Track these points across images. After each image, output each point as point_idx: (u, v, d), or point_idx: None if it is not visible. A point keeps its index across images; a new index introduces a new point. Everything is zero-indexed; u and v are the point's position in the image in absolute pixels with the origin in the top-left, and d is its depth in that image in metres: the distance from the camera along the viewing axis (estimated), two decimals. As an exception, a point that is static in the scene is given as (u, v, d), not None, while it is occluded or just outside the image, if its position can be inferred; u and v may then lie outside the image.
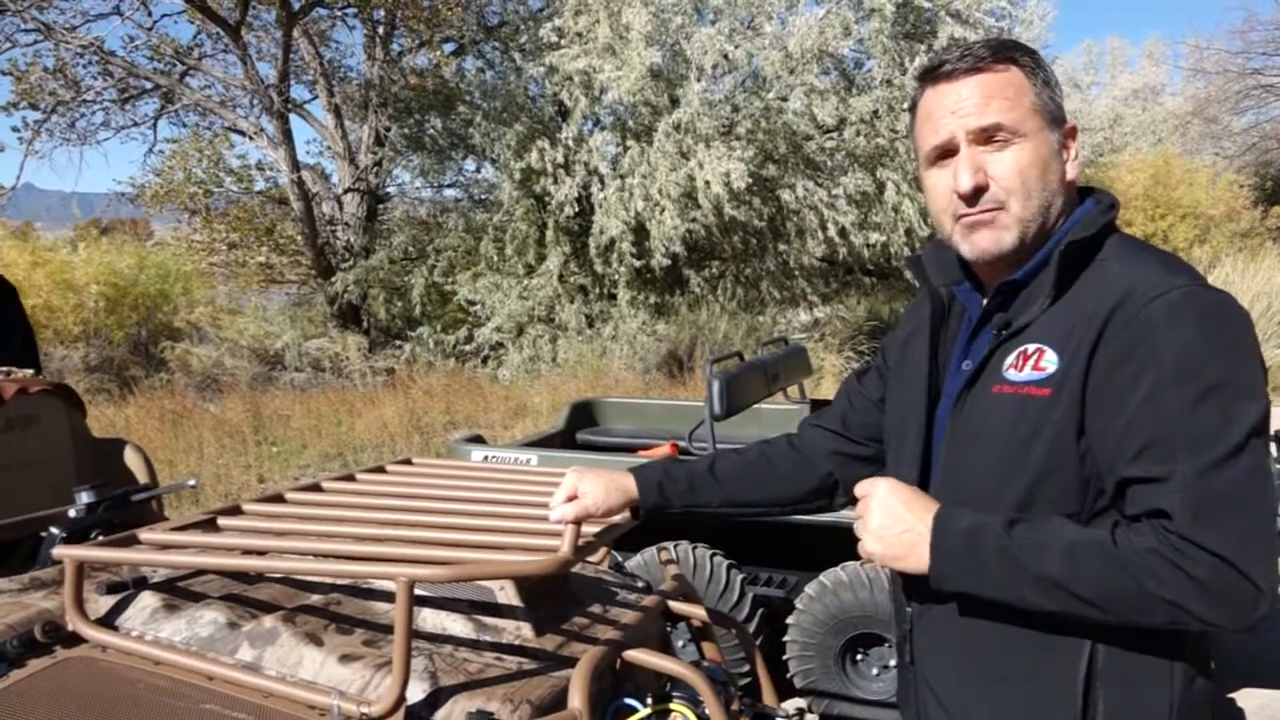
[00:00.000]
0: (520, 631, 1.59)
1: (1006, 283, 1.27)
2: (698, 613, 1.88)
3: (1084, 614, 1.11)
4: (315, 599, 1.63)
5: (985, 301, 1.34)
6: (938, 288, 1.41)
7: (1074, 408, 1.15)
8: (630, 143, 11.94)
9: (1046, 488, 1.18)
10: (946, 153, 1.26)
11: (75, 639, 1.51)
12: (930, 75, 1.29)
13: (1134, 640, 1.15)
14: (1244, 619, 1.06)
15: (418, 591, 1.55)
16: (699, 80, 11.57)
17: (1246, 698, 3.81)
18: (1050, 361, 1.18)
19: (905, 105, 11.93)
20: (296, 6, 12.86)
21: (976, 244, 1.26)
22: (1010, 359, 1.23)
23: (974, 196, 1.23)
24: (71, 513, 2.00)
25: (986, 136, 1.23)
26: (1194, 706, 1.19)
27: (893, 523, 1.23)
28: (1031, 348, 1.21)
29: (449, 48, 14.44)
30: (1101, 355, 1.14)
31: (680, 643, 1.88)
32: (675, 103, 11.78)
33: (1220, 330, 1.12)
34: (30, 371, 2.92)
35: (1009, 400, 1.21)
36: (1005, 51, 1.25)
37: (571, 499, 1.46)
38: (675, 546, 3.70)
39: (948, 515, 1.20)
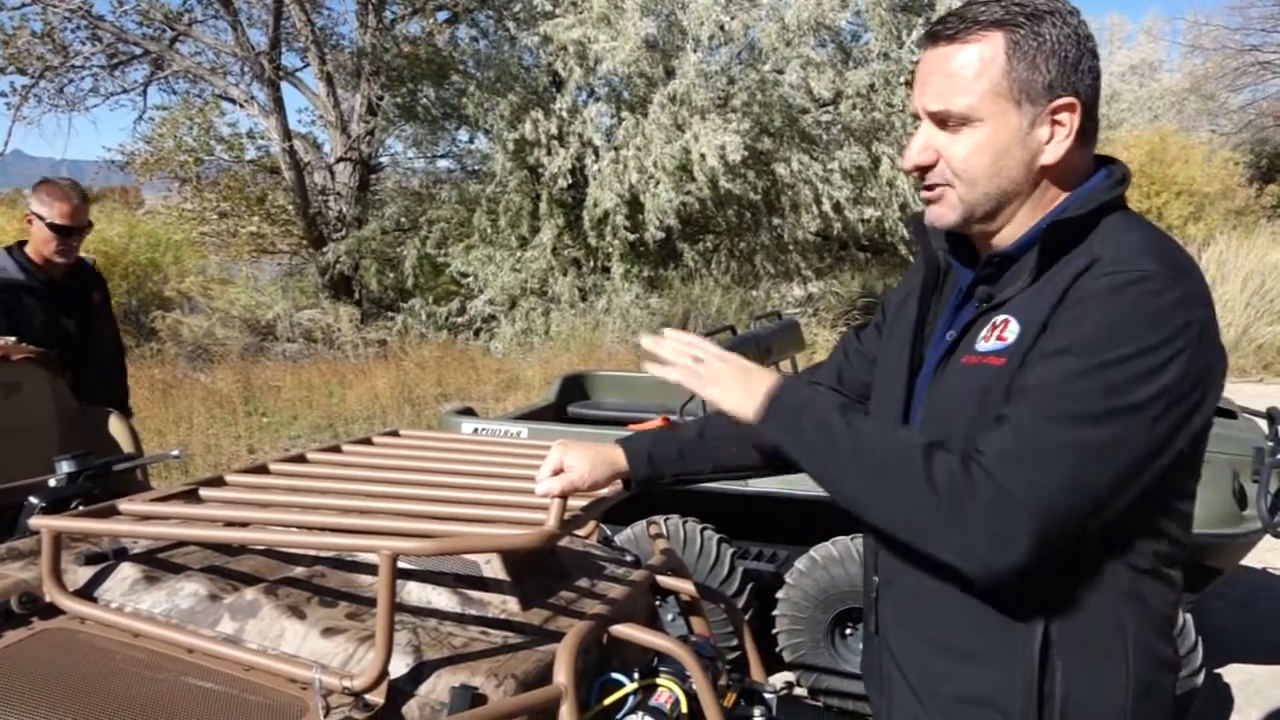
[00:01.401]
0: (506, 606, 1.57)
1: (995, 255, 1.25)
2: (686, 587, 1.87)
3: (861, 508, 1.16)
4: (298, 571, 1.61)
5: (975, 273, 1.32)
6: (935, 252, 1.37)
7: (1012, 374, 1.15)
8: (625, 114, 11.85)
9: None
10: (919, 117, 1.26)
11: (53, 610, 1.49)
12: (926, 35, 1.25)
13: (1087, 614, 1.15)
14: (995, 559, 1.05)
15: (402, 565, 1.53)
16: (695, 51, 11.47)
17: (1232, 673, 3.83)
18: (1012, 331, 1.17)
19: (902, 79, 11.86)
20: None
21: (929, 216, 1.27)
22: (984, 330, 1.22)
23: (920, 174, 1.24)
24: (52, 482, 1.98)
25: (937, 118, 1.20)
26: (1153, 680, 1.18)
27: (736, 374, 1.30)
28: (999, 318, 1.20)
29: (442, 16, 14.30)
30: (1055, 315, 1.12)
31: (669, 617, 1.87)
32: (671, 74, 11.69)
33: (1154, 323, 1.06)
34: (14, 339, 2.88)
35: (973, 371, 1.20)
36: (996, 17, 1.17)
37: (558, 473, 1.44)
38: (665, 520, 3.70)
39: (795, 379, 1.30)
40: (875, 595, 1.36)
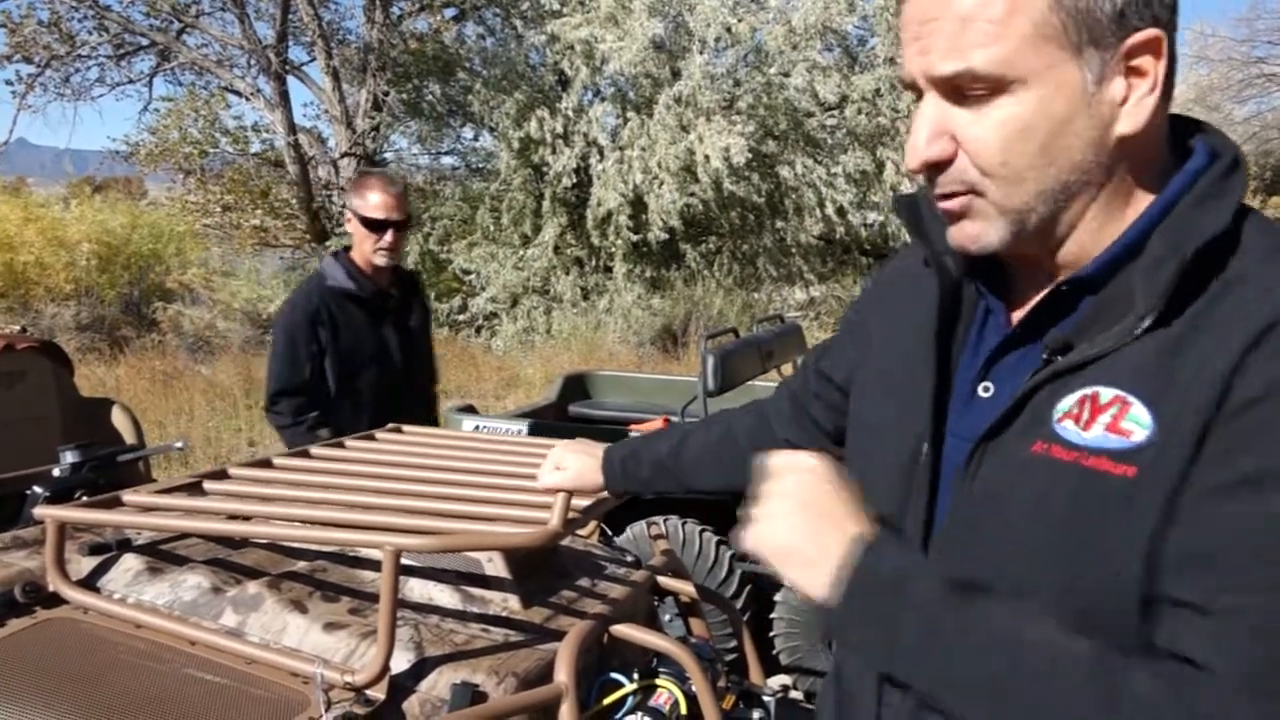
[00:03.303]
0: (507, 604, 1.57)
1: (1067, 282, 0.84)
2: (686, 589, 1.87)
3: None
4: (301, 566, 1.62)
5: (1011, 303, 0.92)
6: (944, 257, 0.93)
7: (1169, 498, 0.73)
8: (630, 114, 11.85)
9: (1102, 608, 0.76)
10: (916, 87, 0.84)
11: (56, 600, 1.49)
12: None
13: None
14: None
15: (404, 561, 1.54)
16: (701, 53, 11.48)
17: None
18: (1139, 422, 0.75)
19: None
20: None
21: (954, 236, 0.86)
22: (1067, 404, 0.79)
23: (932, 173, 0.83)
24: (56, 472, 1.99)
25: (951, 87, 0.79)
26: None
27: (804, 517, 0.85)
28: (1107, 394, 0.77)
29: (449, 12, 14.30)
30: (1223, 410, 0.71)
31: (667, 617, 1.88)
32: (677, 75, 11.70)
33: None
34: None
35: (1061, 471, 0.78)
36: None
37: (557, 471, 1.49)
38: (665, 521, 3.70)
39: (875, 544, 0.83)
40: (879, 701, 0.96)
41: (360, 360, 2.89)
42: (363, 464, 1.93)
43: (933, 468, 0.92)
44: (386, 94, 13.62)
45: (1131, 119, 0.78)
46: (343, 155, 14.25)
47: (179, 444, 2.46)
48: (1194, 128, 0.86)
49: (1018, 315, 0.90)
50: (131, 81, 14.64)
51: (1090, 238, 0.83)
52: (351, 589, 1.55)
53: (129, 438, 2.98)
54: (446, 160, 15.32)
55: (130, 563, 1.58)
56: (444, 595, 1.57)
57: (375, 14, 13.51)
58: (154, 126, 14.96)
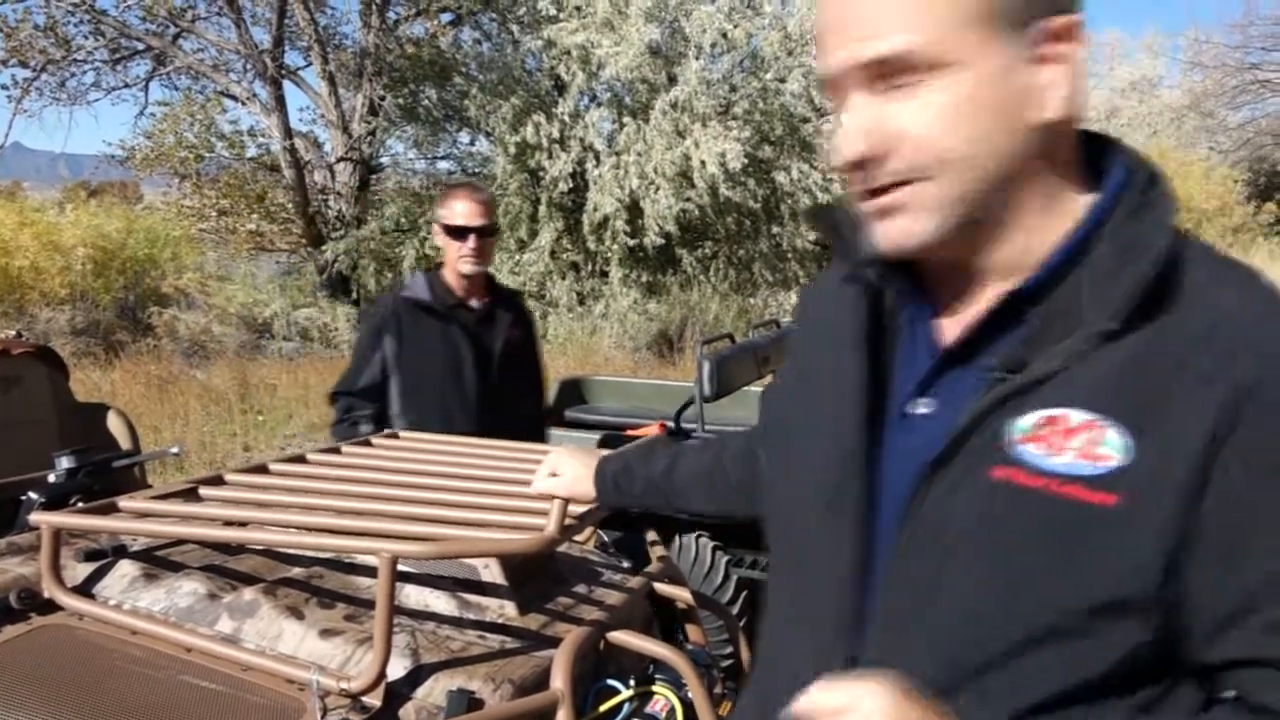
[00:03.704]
0: (504, 610, 1.57)
1: (1018, 294, 0.80)
2: (683, 595, 1.87)
3: None
4: (297, 572, 1.61)
5: (937, 314, 0.88)
6: (865, 267, 0.90)
7: (1165, 532, 0.71)
8: (626, 120, 11.88)
9: (1079, 647, 0.74)
10: (839, 87, 0.81)
11: (51, 606, 1.49)
12: None
13: None
14: None
15: (401, 567, 1.53)
16: (697, 59, 11.51)
17: None
18: (1114, 447, 0.72)
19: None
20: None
21: (884, 235, 0.81)
22: (1025, 425, 0.76)
23: (863, 170, 0.79)
24: (51, 478, 1.98)
25: (880, 74, 0.76)
26: None
27: None
28: (1077, 417, 0.74)
29: (446, 17, 14.32)
30: (1237, 457, 0.69)
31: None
32: (673, 81, 11.73)
33: None
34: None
35: (1028, 497, 0.75)
36: None
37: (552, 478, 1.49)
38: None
39: None
40: None
41: (427, 372, 2.79)
42: (359, 470, 1.93)
43: (867, 487, 0.86)
44: (383, 99, 13.63)
45: (1054, 104, 0.76)
46: (339, 159, 14.26)
47: (174, 449, 2.46)
48: (1097, 139, 0.84)
49: (950, 326, 0.86)
50: (127, 86, 14.64)
51: (1028, 239, 0.80)
52: (347, 595, 1.55)
53: (124, 443, 2.97)
54: (443, 165, 15.35)
55: (126, 569, 1.57)
56: (440, 601, 1.57)
57: (371, 19, 13.53)
58: (150, 131, 14.96)
